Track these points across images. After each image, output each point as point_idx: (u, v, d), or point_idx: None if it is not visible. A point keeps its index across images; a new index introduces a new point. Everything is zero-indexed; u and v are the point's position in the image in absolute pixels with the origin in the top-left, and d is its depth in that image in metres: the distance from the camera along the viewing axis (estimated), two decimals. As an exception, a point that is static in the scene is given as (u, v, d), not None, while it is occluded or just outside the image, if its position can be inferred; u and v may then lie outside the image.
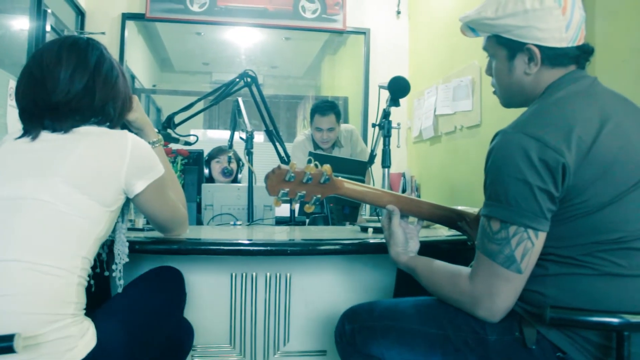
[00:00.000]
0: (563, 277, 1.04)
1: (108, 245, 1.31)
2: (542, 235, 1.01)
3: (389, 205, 1.29)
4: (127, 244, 1.31)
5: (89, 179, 1.13)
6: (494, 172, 1.04)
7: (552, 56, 1.11)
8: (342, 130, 3.34)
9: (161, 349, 1.33)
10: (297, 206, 2.28)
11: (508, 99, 1.24)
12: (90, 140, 1.17)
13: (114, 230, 1.27)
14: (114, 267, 1.28)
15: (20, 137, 1.19)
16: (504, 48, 1.16)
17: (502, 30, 1.14)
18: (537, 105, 1.10)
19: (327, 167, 1.23)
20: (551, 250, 1.04)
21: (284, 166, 1.21)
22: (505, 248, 1.01)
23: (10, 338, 0.93)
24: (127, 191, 1.20)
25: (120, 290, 1.27)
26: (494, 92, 1.27)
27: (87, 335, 1.08)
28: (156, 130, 1.54)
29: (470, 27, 1.21)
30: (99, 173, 1.14)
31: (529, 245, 1.00)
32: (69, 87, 1.18)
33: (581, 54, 1.12)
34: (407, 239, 1.30)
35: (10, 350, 0.93)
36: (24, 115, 1.21)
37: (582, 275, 1.02)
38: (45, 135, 1.17)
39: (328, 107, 3.15)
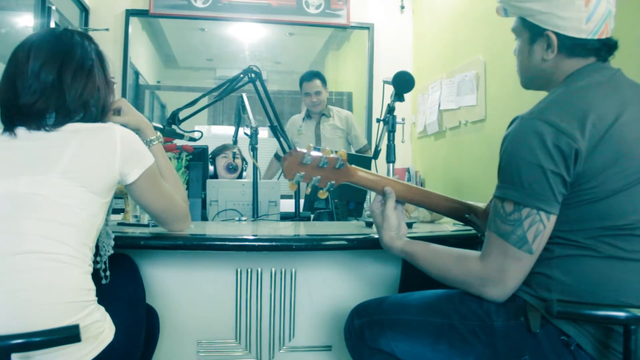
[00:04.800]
0: (567, 259, 1.06)
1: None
2: (553, 218, 1.03)
3: (386, 188, 1.27)
4: (113, 235, 1.32)
5: (85, 173, 1.13)
6: (510, 156, 1.06)
7: (570, 46, 1.12)
8: (337, 111, 3.78)
9: (145, 334, 1.35)
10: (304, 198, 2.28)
11: (526, 81, 1.26)
12: (81, 137, 1.16)
13: None
14: (97, 259, 1.27)
15: (2, 134, 1.18)
16: (527, 31, 1.18)
17: (527, 13, 1.16)
18: (556, 93, 1.11)
19: (342, 152, 1.23)
20: (558, 234, 1.06)
21: (300, 149, 1.20)
22: (518, 229, 1.03)
23: (75, 328, 0.96)
24: (121, 181, 1.21)
25: (104, 281, 1.27)
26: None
27: (107, 319, 1.12)
28: (160, 126, 1.53)
29: (505, 8, 1.23)
30: (94, 167, 1.15)
31: (541, 227, 1.03)
32: (36, 86, 1.15)
33: (602, 47, 1.12)
34: (399, 224, 1.29)
35: (77, 339, 0.96)
36: (2, 117, 1.19)
37: (586, 257, 1.04)
38: (34, 134, 1.15)
39: (312, 74, 3.66)
